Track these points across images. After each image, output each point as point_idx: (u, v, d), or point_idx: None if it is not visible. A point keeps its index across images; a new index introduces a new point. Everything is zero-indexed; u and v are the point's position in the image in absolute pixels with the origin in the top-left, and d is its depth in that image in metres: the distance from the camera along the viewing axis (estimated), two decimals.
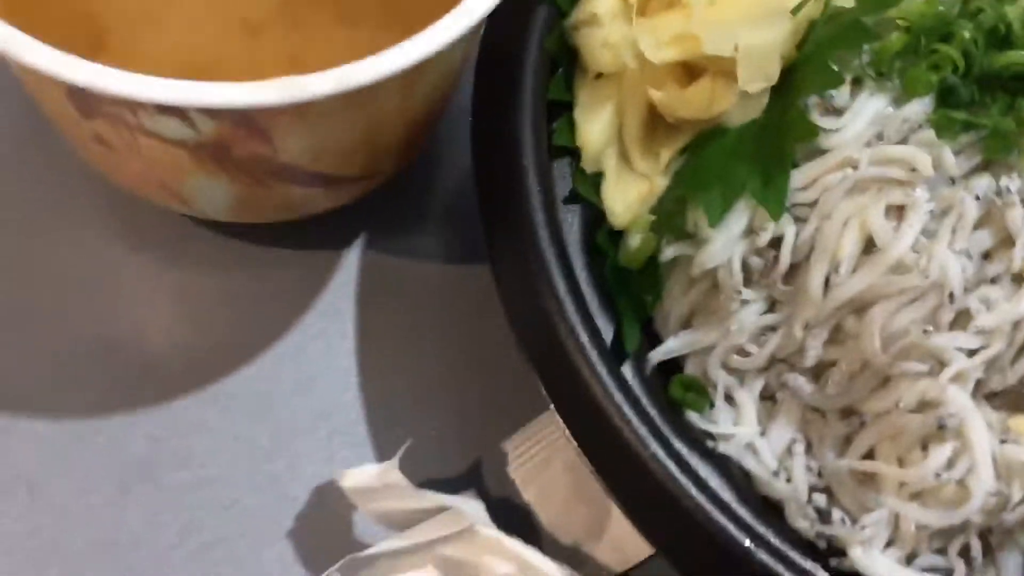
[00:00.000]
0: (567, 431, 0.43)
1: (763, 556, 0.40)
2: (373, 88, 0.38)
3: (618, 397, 0.41)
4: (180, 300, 0.53)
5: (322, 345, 0.53)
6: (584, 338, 0.42)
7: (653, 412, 0.42)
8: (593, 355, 0.41)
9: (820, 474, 0.44)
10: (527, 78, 0.45)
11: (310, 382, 0.52)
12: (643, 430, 0.41)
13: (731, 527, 0.41)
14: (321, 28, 0.45)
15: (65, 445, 0.49)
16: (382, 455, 0.50)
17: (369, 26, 0.45)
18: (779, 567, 0.40)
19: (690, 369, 0.46)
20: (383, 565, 0.46)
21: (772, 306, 0.45)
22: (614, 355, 0.43)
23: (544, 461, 0.50)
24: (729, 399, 0.45)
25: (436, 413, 0.52)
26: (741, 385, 0.45)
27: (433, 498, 0.47)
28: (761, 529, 0.41)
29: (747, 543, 0.40)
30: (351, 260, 0.55)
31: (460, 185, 0.57)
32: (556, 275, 0.43)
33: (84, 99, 0.39)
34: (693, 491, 0.41)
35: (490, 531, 0.46)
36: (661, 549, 0.42)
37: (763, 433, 0.44)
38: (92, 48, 0.43)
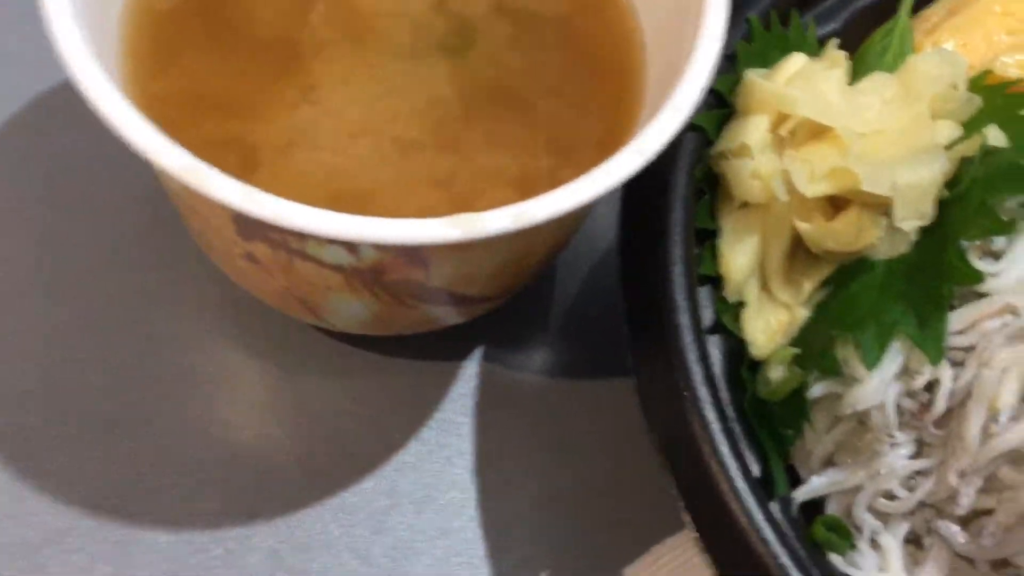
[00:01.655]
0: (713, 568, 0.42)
1: None
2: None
3: (773, 541, 0.40)
4: (300, 408, 0.52)
5: (441, 460, 0.52)
6: (739, 482, 0.41)
7: (803, 555, 0.41)
8: (749, 500, 0.41)
9: None
10: (677, 209, 0.44)
11: (429, 499, 0.51)
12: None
13: None
14: (470, 151, 0.44)
15: (184, 556, 0.48)
16: None
17: (518, 151, 0.45)
18: None
19: (831, 508, 0.45)
20: None
21: (919, 448, 0.44)
22: (764, 493, 0.42)
23: None
24: (873, 542, 0.44)
25: (555, 535, 0.51)
26: (885, 528, 0.44)
27: None
28: None
29: None
30: (469, 372, 0.54)
31: (575, 299, 0.57)
32: (709, 412, 0.42)
33: (250, 224, 0.39)
34: None
35: None
36: None
37: None
38: (244, 168, 0.43)
